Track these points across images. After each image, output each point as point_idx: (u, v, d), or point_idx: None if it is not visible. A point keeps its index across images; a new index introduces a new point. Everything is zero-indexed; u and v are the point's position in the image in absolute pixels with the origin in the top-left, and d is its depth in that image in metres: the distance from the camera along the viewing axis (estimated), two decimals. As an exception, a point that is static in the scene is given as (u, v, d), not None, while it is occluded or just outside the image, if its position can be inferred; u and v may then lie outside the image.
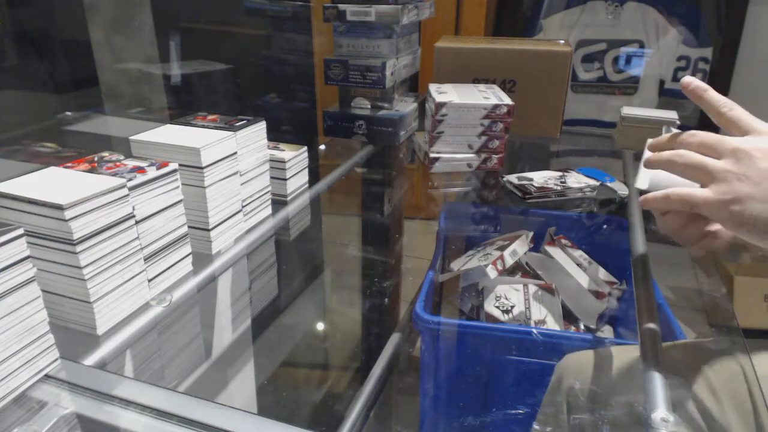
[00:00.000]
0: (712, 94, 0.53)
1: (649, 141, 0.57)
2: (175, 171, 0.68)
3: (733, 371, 0.62)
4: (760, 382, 0.59)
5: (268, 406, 0.73)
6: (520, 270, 0.99)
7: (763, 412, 0.57)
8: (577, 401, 0.65)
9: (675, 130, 0.56)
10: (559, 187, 1.05)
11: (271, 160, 0.91)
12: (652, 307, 0.62)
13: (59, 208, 0.55)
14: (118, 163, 0.67)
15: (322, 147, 1.33)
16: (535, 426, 0.67)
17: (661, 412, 0.48)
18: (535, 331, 0.74)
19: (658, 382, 0.51)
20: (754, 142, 0.49)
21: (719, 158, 0.49)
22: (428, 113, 1.11)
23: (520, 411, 0.74)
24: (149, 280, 0.67)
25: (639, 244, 0.75)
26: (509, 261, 0.90)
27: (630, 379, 0.63)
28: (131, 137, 0.75)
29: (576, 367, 0.68)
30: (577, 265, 0.95)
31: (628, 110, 1.20)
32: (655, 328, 0.58)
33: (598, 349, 0.69)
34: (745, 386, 0.60)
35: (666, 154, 0.52)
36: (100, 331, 0.61)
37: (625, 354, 0.67)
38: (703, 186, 0.50)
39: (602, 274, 0.93)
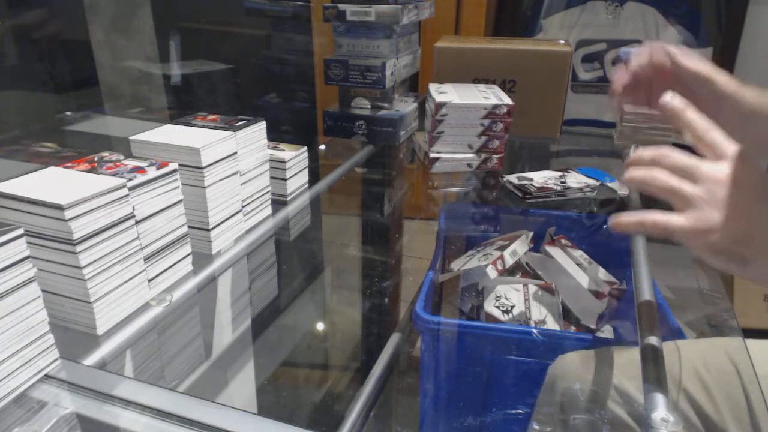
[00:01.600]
0: (690, 114, 0.51)
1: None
2: (175, 171, 0.69)
3: (727, 369, 0.62)
4: (760, 382, 0.59)
5: (268, 406, 0.73)
6: (520, 270, 0.99)
7: (759, 410, 0.57)
8: (571, 404, 0.65)
9: (642, 149, 0.55)
10: (559, 187, 1.04)
11: (271, 160, 0.91)
12: (652, 307, 0.62)
13: (59, 208, 0.55)
14: (118, 163, 0.67)
15: (322, 147, 1.33)
16: (534, 427, 0.67)
17: (661, 412, 0.48)
18: (535, 331, 0.74)
19: (658, 382, 0.51)
20: (729, 170, 0.48)
21: (694, 183, 0.49)
22: (428, 113, 1.11)
23: (520, 411, 0.74)
24: (149, 280, 0.67)
25: (639, 244, 0.75)
26: (509, 261, 0.90)
27: (624, 380, 0.63)
28: (131, 137, 0.75)
29: (569, 370, 0.68)
30: (577, 265, 0.95)
31: (629, 108, 1.20)
32: (655, 328, 0.58)
33: (591, 350, 0.69)
34: (739, 385, 0.60)
35: (641, 174, 0.51)
36: (100, 331, 0.61)
37: (619, 354, 0.67)
38: (677, 210, 0.49)
39: (602, 274, 0.93)
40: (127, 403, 0.52)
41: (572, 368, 0.68)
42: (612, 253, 0.99)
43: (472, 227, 1.09)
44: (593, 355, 0.68)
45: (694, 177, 0.49)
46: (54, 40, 1.20)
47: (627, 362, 0.65)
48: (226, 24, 1.72)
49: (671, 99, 0.52)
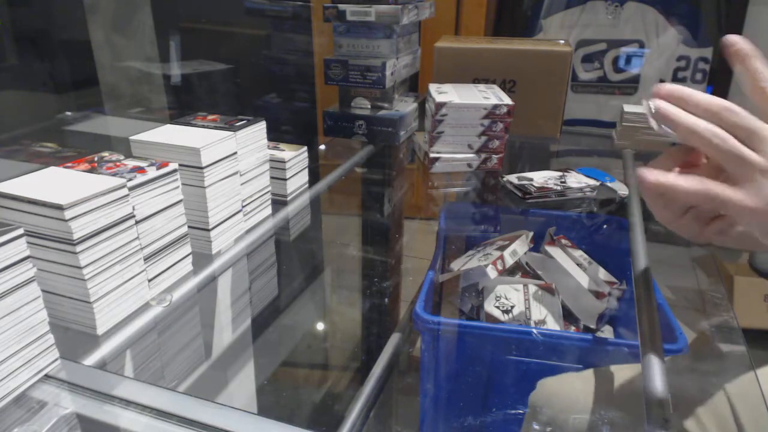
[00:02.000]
0: (756, 63, 0.42)
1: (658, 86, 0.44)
2: (175, 171, 0.68)
3: (712, 390, 0.61)
4: (763, 388, 0.58)
5: (268, 406, 0.73)
6: (520, 270, 0.99)
7: (747, 426, 0.56)
8: (556, 428, 0.64)
9: (653, 103, 0.44)
10: (559, 187, 1.05)
11: (271, 160, 0.91)
12: (652, 307, 0.62)
13: (59, 208, 0.55)
14: (118, 163, 0.67)
15: (322, 147, 1.33)
16: None
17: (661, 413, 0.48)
18: (535, 331, 0.74)
19: (657, 382, 0.51)
20: None
21: (756, 150, 0.39)
22: (428, 113, 1.11)
23: (520, 411, 0.74)
24: (149, 280, 0.67)
25: (639, 244, 0.75)
26: (509, 261, 0.90)
27: (610, 402, 0.62)
28: (131, 137, 0.75)
29: (551, 395, 0.66)
30: (577, 265, 0.95)
31: (629, 108, 1.20)
32: (655, 328, 0.58)
33: (571, 373, 0.68)
34: (726, 403, 0.58)
35: (701, 125, 0.41)
36: (100, 331, 0.61)
37: (601, 376, 0.66)
38: (735, 180, 0.40)
39: (602, 274, 0.93)
40: (127, 403, 0.52)
41: (555, 393, 0.66)
42: (612, 253, 0.99)
43: (472, 227, 1.09)
44: (575, 378, 0.67)
45: (757, 142, 0.39)
46: (53, 40, 1.20)
47: (610, 384, 0.64)
48: (226, 24, 1.72)
49: (737, 41, 0.43)
